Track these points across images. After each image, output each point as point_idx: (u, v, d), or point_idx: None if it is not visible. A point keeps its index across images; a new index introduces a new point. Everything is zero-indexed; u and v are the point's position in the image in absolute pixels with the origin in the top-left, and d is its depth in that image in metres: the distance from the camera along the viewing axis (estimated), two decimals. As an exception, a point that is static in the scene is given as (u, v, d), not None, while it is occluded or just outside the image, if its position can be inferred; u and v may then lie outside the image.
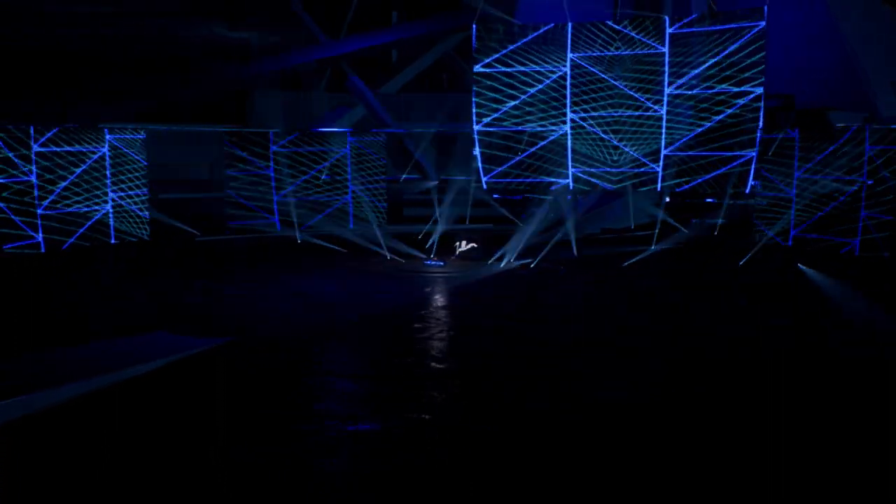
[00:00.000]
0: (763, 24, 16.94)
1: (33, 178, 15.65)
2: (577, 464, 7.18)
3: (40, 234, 15.80)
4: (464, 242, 17.67)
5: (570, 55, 18.82)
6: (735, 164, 17.18)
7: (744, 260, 16.91)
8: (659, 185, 18.37)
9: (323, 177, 19.94)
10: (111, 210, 17.10)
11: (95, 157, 16.69)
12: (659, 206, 19.50)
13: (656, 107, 18.06)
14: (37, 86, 23.87)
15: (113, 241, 17.26)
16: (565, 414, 8.39)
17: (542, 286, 15.48)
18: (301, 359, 10.39)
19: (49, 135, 15.92)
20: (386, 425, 8.03)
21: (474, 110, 19.67)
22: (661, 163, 18.20)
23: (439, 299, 14.34)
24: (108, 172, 16.89)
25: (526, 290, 15.12)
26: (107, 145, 16.84)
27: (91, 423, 8.06)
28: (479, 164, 19.49)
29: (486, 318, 13.00)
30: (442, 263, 16.96)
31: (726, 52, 17.21)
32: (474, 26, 19.78)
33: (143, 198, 17.84)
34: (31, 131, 15.47)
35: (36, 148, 15.59)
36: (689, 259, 17.82)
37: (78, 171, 16.29)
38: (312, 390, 9.11)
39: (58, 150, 15.99)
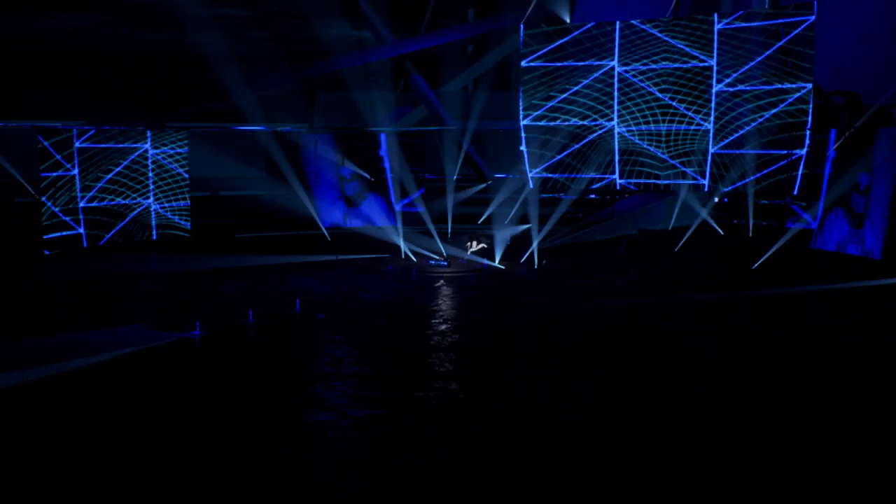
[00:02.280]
0: (812, 18, 16.52)
1: (75, 173, 16.23)
2: (578, 464, 7.21)
3: (82, 227, 16.37)
4: (474, 243, 17.55)
5: (617, 66, 18.76)
6: (783, 163, 16.82)
7: (757, 264, 16.43)
8: (707, 185, 18.08)
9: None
10: (154, 210, 17.67)
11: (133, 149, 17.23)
12: (705, 206, 19.12)
13: (699, 118, 17.89)
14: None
15: (154, 237, 17.80)
16: (566, 414, 8.43)
17: (541, 286, 15.40)
18: (291, 358, 10.59)
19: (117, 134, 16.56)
20: (385, 426, 8.14)
21: (521, 105, 19.85)
22: (709, 158, 17.97)
23: (431, 298, 14.34)
24: (150, 178, 17.49)
25: (524, 290, 15.05)
26: (149, 150, 17.39)
27: (48, 404, 8.58)
28: (525, 157, 19.71)
29: (480, 318, 13.03)
30: (446, 263, 16.90)
31: (775, 47, 16.83)
32: (521, 27, 19.81)
33: (186, 194, 18.31)
34: (75, 132, 16.07)
35: (78, 144, 16.16)
36: (704, 262, 17.34)
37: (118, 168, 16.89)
38: (306, 391, 9.19)
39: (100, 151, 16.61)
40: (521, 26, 20.27)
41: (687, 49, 18.30)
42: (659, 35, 18.50)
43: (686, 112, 18.34)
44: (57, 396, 8.83)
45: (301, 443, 7.67)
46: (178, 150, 18.27)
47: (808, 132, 16.58)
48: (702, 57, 18.11)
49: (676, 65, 18.44)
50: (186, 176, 18.39)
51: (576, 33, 19.48)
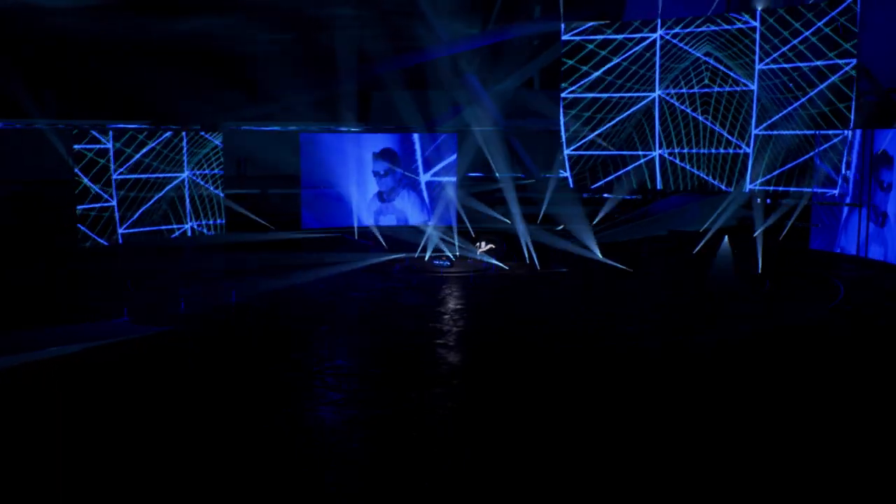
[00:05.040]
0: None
1: (114, 203, 16.90)
2: (577, 465, 7.23)
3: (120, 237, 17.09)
4: (483, 243, 17.39)
5: (658, 80, 18.57)
6: (830, 143, 16.17)
7: (761, 265, 15.94)
8: (748, 184, 17.63)
9: None
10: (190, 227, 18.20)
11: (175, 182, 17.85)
12: (747, 208, 18.60)
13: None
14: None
15: (189, 234, 18.23)
16: (564, 414, 8.46)
17: (538, 288, 15.27)
18: (258, 356, 10.62)
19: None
20: (382, 426, 8.19)
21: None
22: (752, 143, 17.54)
23: (421, 298, 14.33)
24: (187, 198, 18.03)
25: (520, 292, 14.93)
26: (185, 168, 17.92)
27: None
28: (570, 180, 19.77)
29: (461, 317, 12.95)
30: (447, 263, 16.84)
31: (818, 24, 16.30)
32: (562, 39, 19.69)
33: (220, 191, 18.70)
34: (111, 136, 16.68)
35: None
36: (710, 265, 16.87)
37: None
38: (297, 393, 9.23)
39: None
40: (562, 25, 20.11)
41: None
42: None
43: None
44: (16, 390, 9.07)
45: (299, 446, 7.64)
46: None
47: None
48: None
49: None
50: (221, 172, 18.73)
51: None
